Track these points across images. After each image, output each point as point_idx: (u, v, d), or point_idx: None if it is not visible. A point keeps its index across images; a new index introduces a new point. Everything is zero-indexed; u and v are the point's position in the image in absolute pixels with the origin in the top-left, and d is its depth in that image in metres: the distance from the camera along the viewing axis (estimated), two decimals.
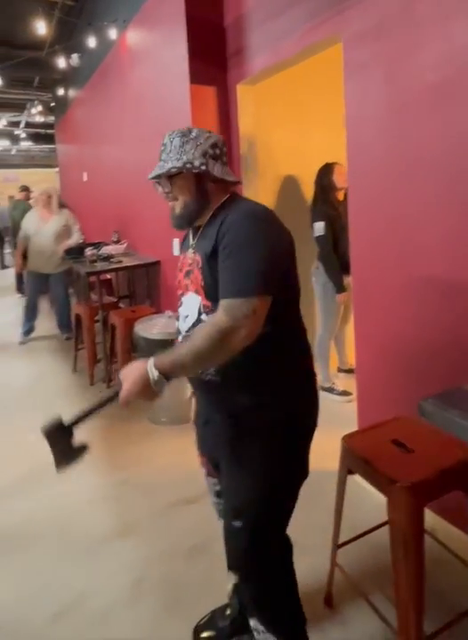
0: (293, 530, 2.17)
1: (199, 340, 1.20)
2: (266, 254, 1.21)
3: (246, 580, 1.44)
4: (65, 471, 1.34)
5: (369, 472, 1.54)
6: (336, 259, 3.35)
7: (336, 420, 3.08)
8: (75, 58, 6.65)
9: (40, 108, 10.52)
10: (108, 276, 5.46)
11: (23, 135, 14.99)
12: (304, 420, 1.41)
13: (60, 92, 8.77)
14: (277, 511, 1.40)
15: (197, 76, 3.46)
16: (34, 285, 5.37)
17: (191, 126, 1.41)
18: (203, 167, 1.32)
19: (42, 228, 5.06)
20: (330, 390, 3.58)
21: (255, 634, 1.47)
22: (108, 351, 4.08)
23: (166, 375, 1.21)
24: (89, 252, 4.88)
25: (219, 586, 1.83)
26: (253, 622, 1.47)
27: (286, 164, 3.79)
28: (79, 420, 1.33)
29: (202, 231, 1.38)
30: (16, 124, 13.81)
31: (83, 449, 1.35)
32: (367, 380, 2.53)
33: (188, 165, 1.31)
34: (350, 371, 3.79)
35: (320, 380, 3.63)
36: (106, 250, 4.93)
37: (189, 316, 1.40)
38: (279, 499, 1.39)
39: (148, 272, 4.55)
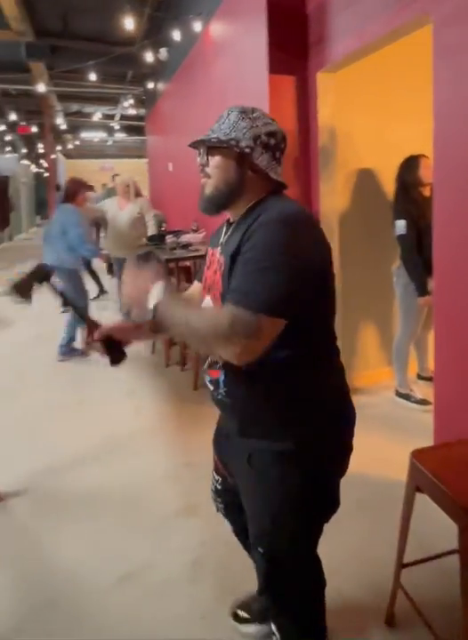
0: (358, 539, 2.03)
1: (200, 323, 1.03)
2: (294, 271, 1.00)
3: (269, 599, 1.36)
4: (5, 293, 1.35)
5: (439, 495, 1.36)
6: (419, 259, 3.02)
7: (410, 430, 2.90)
8: (163, 52, 6.65)
9: (132, 101, 10.71)
10: (187, 264, 5.45)
11: (117, 127, 15.42)
12: (328, 453, 1.20)
13: (150, 85, 8.83)
14: (295, 544, 1.24)
15: (275, 66, 3.27)
16: (119, 272, 5.50)
17: (255, 107, 1.22)
18: (247, 150, 1.13)
19: (118, 214, 5.13)
20: (407, 397, 3.30)
21: (273, 638, 1.39)
22: None
23: (157, 320, 1.08)
24: (169, 239, 4.88)
25: None
26: (273, 627, 1.38)
27: (369, 156, 3.51)
28: (56, 292, 1.37)
29: (233, 229, 1.18)
30: (111, 117, 14.22)
31: (29, 298, 1.36)
32: (447, 390, 2.28)
33: (232, 142, 1.13)
34: (430, 379, 3.45)
35: (397, 385, 3.37)
36: (185, 238, 4.91)
37: None
38: (297, 532, 1.23)
39: None
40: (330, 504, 1.26)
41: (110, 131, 16.24)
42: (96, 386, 3.92)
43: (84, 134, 16.83)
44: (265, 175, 1.16)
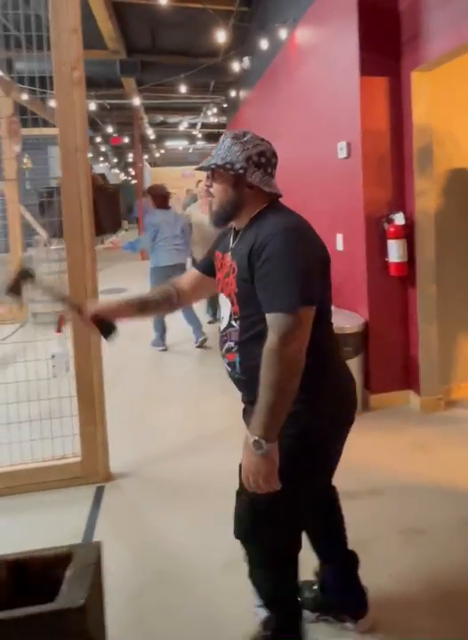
0: (465, 557, 1.89)
1: (264, 378, 1.16)
2: (305, 266, 1.19)
3: (246, 545, 1.44)
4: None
5: None
6: None
7: None
8: (246, 61, 6.66)
9: (215, 110, 10.84)
10: None
11: (199, 135, 15.70)
12: (328, 412, 1.32)
13: (232, 93, 8.90)
14: (287, 492, 1.27)
15: (367, 67, 3.16)
16: None
17: (246, 130, 1.37)
18: (241, 171, 1.28)
19: (203, 218, 5.18)
20: None
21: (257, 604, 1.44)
22: None
23: (268, 437, 1.15)
24: None
25: (377, 583, 1.73)
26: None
27: None
28: (42, 287, 1.51)
29: (240, 236, 1.34)
30: (193, 126, 14.50)
31: (21, 296, 1.50)
32: None
33: (227, 165, 1.29)
34: None
35: None
36: None
37: (225, 319, 1.39)
38: (292, 482, 1.27)
39: None
40: (326, 462, 1.39)
41: (192, 139, 16.58)
42: (189, 382, 4.02)
43: (169, 143, 17.31)
44: (260, 189, 1.32)
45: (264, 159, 1.31)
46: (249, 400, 1.42)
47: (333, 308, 3.38)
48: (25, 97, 5.23)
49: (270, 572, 1.40)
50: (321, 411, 1.31)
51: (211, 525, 2.19)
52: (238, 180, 1.30)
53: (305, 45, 4.45)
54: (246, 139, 1.31)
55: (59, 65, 2.39)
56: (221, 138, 1.36)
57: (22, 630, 0.70)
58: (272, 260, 1.19)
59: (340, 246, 3.62)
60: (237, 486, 2.59)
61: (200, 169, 1.37)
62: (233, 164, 1.28)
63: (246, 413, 1.51)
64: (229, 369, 1.40)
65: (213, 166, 1.32)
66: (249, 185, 1.30)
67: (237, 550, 1.99)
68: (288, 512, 1.33)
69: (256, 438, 1.14)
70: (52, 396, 2.52)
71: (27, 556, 0.80)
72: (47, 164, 9.14)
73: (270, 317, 1.19)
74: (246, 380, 1.34)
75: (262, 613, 1.42)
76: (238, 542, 2.03)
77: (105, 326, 1.48)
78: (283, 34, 4.98)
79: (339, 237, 3.63)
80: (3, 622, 0.69)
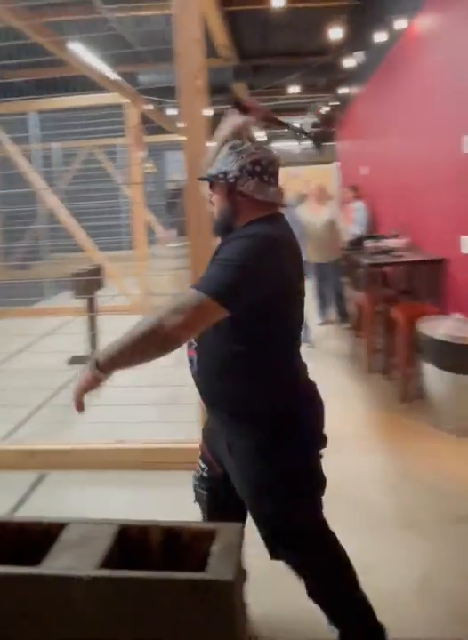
0: None
1: (134, 327, 1.17)
2: (249, 274, 1.18)
3: (303, 580, 1.42)
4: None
5: None
6: None
7: None
8: (360, 56, 6.54)
9: (328, 108, 10.75)
10: (385, 270, 5.25)
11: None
12: (295, 442, 1.34)
13: (342, 91, 8.76)
14: (289, 522, 1.36)
15: None
16: (316, 276, 5.50)
17: (247, 142, 1.39)
18: (232, 180, 1.30)
19: (312, 219, 5.14)
20: None
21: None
22: (388, 344, 3.86)
23: (102, 368, 1.18)
24: (369, 244, 4.75)
25: None
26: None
27: None
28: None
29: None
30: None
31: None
32: None
33: (220, 175, 1.32)
34: None
35: None
36: (385, 243, 4.73)
37: None
38: (284, 511, 1.34)
39: (431, 269, 4.07)
40: (316, 483, 1.37)
41: (299, 139, 16.57)
42: None
43: (276, 144, 17.45)
44: (253, 197, 1.31)
45: (259, 167, 1.32)
46: (208, 401, 1.44)
47: (460, 315, 3.22)
48: (148, 107, 5.62)
49: (326, 584, 1.42)
50: (291, 441, 1.34)
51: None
52: (230, 189, 1.32)
53: (426, 35, 4.23)
54: (242, 148, 1.33)
55: (183, 75, 2.50)
56: (222, 149, 1.40)
57: (176, 593, 0.76)
58: (224, 252, 1.24)
59: (466, 249, 3.40)
60: (353, 494, 2.50)
61: (200, 179, 1.43)
62: (226, 173, 1.31)
63: (208, 429, 1.54)
64: (189, 365, 1.43)
65: (206, 176, 1.38)
66: (241, 193, 1.31)
67: (354, 565, 1.96)
68: (308, 528, 1.39)
69: (96, 360, 1.19)
70: (175, 383, 2.66)
71: (178, 526, 0.87)
72: (164, 168, 9.73)
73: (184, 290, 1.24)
74: (200, 381, 1.38)
75: (335, 631, 1.40)
76: (355, 557, 1.92)
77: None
78: (401, 24, 4.81)
79: (464, 240, 3.39)
80: (161, 581, 0.77)
